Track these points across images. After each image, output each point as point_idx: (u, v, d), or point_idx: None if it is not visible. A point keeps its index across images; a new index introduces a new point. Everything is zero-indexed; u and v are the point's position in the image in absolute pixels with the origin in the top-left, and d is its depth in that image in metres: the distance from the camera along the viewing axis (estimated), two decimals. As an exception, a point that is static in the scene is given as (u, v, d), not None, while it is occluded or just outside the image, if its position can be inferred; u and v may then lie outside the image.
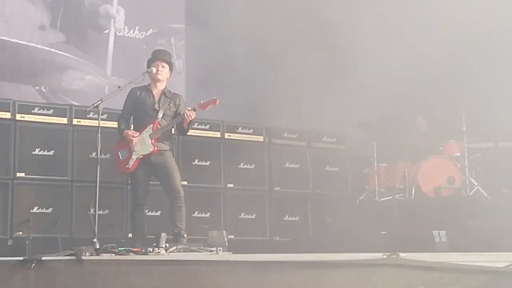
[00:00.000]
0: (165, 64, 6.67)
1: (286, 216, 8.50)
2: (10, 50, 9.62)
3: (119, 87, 6.43)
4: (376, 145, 8.97)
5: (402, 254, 4.50)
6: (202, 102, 6.56)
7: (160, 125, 6.53)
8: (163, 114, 6.60)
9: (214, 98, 6.55)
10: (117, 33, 10.56)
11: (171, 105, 6.66)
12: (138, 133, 6.52)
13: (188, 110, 6.51)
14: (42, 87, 9.83)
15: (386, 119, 8.92)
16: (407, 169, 8.56)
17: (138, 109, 6.66)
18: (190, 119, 6.50)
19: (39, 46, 9.81)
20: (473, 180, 8.44)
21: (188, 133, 6.88)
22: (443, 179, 8.29)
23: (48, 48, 9.86)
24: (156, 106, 6.61)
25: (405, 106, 9.05)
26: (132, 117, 6.80)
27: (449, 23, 8.24)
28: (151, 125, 6.52)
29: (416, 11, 8.65)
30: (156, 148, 6.49)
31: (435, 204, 8.01)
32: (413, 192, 8.46)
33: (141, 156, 6.50)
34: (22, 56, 9.69)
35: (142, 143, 6.51)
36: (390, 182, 8.89)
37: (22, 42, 9.66)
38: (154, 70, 6.58)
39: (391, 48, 8.48)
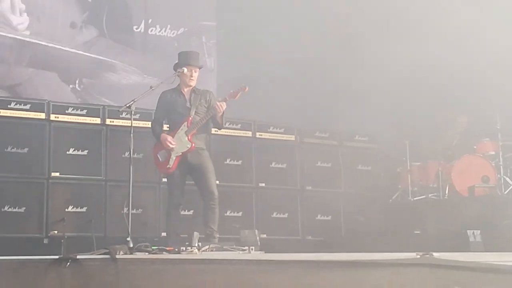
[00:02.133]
0: (197, 69, 6.74)
1: (318, 215, 8.48)
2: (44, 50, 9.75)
3: (151, 87, 6.48)
4: (408, 144, 8.90)
5: (435, 254, 4.45)
6: (231, 91, 6.61)
7: (194, 121, 6.58)
8: (196, 111, 6.66)
9: (243, 85, 6.59)
10: (149, 32, 10.61)
11: (202, 101, 6.73)
12: (175, 141, 6.56)
13: (219, 101, 6.56)
14: (77, 85, 9.91)
15: (421, 118, 8.83)
16: (441, 168, 8.47)
17: (170, 111, 6.74)
18: (222, 109, 6.55)
19: (72, 50, 9.90)
20: (508, 179, 8.32)
21: (219, 132, 6.91)
22: (477, 178, 8.18)
23: (80, 52, 9.94)
24: (188, 104, 6.68)
25: (440, 105, 8.93)
26: (165, 120, 6.88)
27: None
28: (185, 123, 6.60)
29: (448, 11, 8.58)
30: (193, 144, 6.55)
31: (469, 203, 7.89)
32: (446, 191, 8.37)
33: (180, 154, 6.57)
34: (55, 58, 9.79)
35: (179, 141, 6.58)
36: (424, 181, 8.80)
37: (57, 46, 9.75)
38: (185, 70, 6.62)
39: (424, 47, 8.41)
